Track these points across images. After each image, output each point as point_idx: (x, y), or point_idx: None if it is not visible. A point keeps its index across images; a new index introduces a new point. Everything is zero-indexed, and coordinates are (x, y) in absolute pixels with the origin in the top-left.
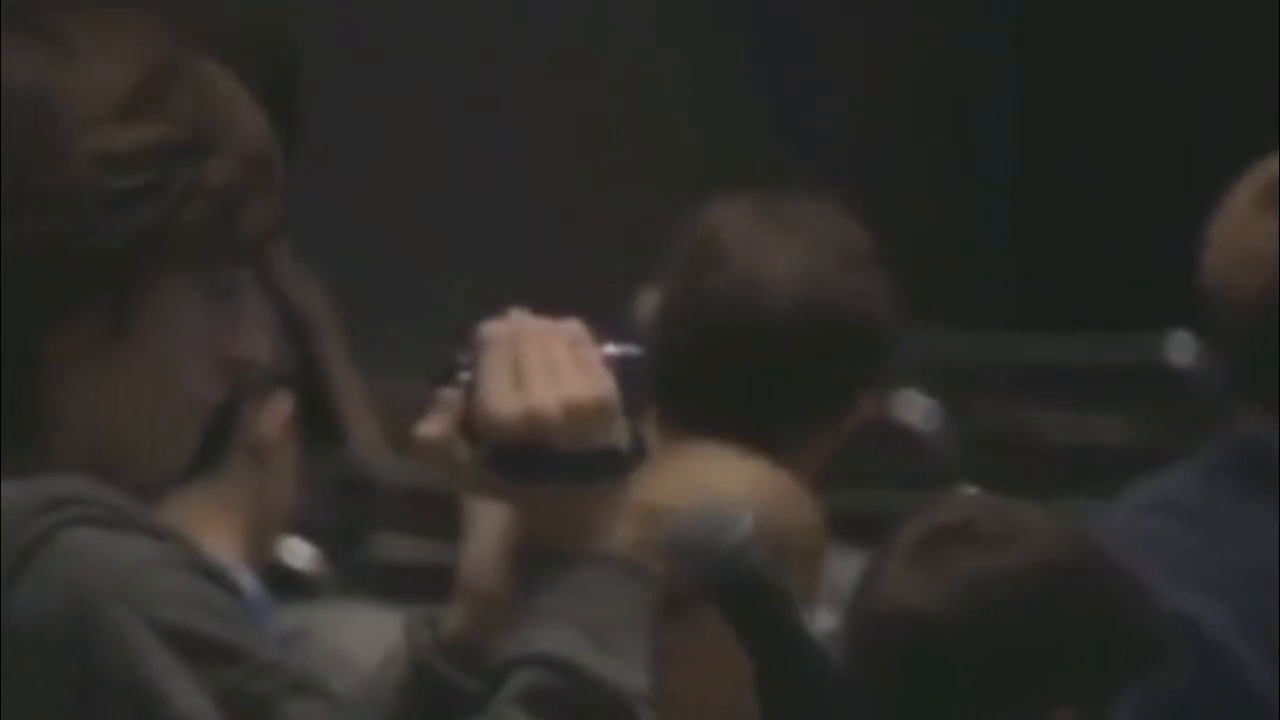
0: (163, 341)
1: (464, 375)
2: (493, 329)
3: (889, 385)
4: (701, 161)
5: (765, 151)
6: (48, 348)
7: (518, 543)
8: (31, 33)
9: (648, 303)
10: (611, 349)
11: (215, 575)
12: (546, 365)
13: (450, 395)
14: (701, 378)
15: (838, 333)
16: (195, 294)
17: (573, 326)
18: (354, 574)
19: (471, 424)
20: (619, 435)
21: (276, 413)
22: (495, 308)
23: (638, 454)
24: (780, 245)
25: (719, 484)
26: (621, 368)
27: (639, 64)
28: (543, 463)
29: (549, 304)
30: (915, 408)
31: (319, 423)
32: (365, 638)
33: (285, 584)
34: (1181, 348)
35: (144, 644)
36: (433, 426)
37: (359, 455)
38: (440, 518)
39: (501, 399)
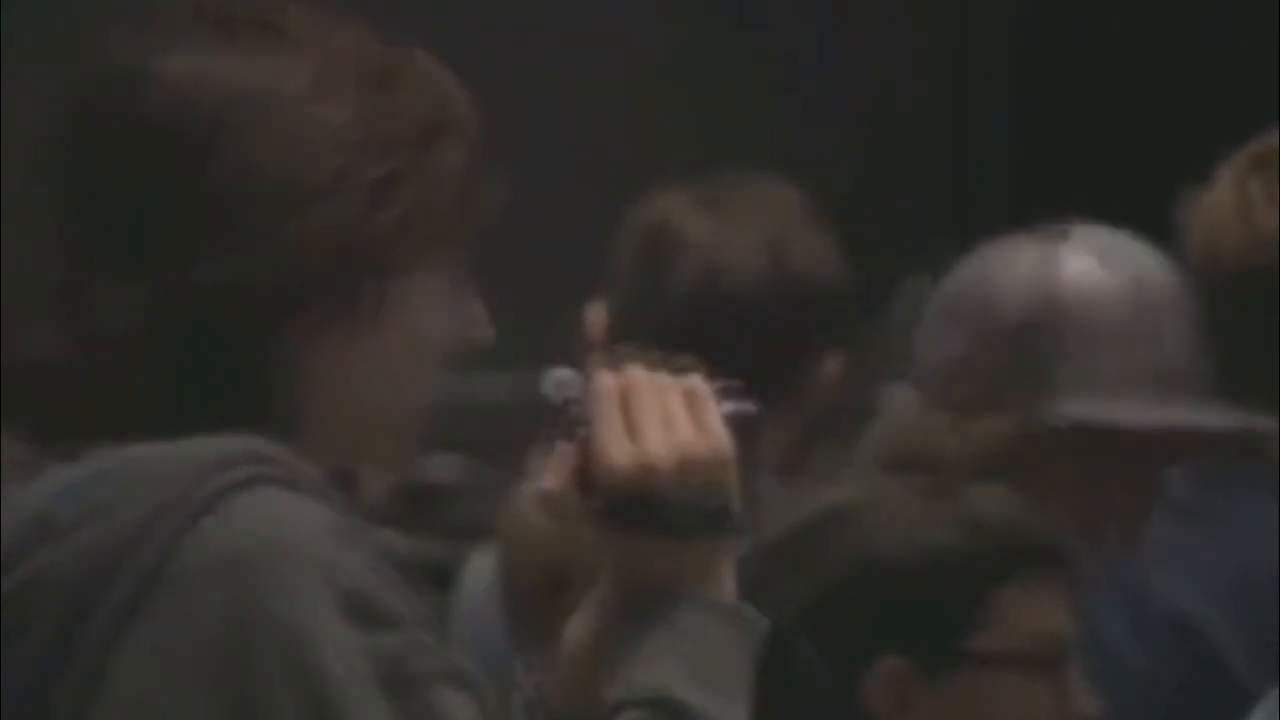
0: (410, 327)
1: (581, 430)
2: (607, 380)
3: (881, 379)
4: (702, 159)
5: (765, 150)
6: (311, 339)
7: (624, 591)
8: (257, 33)
9: (597, 315)
10: (729, 406)
11: (386, 554)
12: (661, 416)
13: (567, 449)
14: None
15: (800, 297)
16: (436, 278)
17: (693, 382)
18: None
19: (587, 476)
20: (731, 491)
21: None
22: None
23: (749, 510)
24: (730, 225)
25: None
26: (737, 425)
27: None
28: (653, 513)
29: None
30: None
31: None
32: None
33: None
34: None
35: (315, 597)
36: (551, 480)
37: None
38: (434, 515)
39: (615, 448)
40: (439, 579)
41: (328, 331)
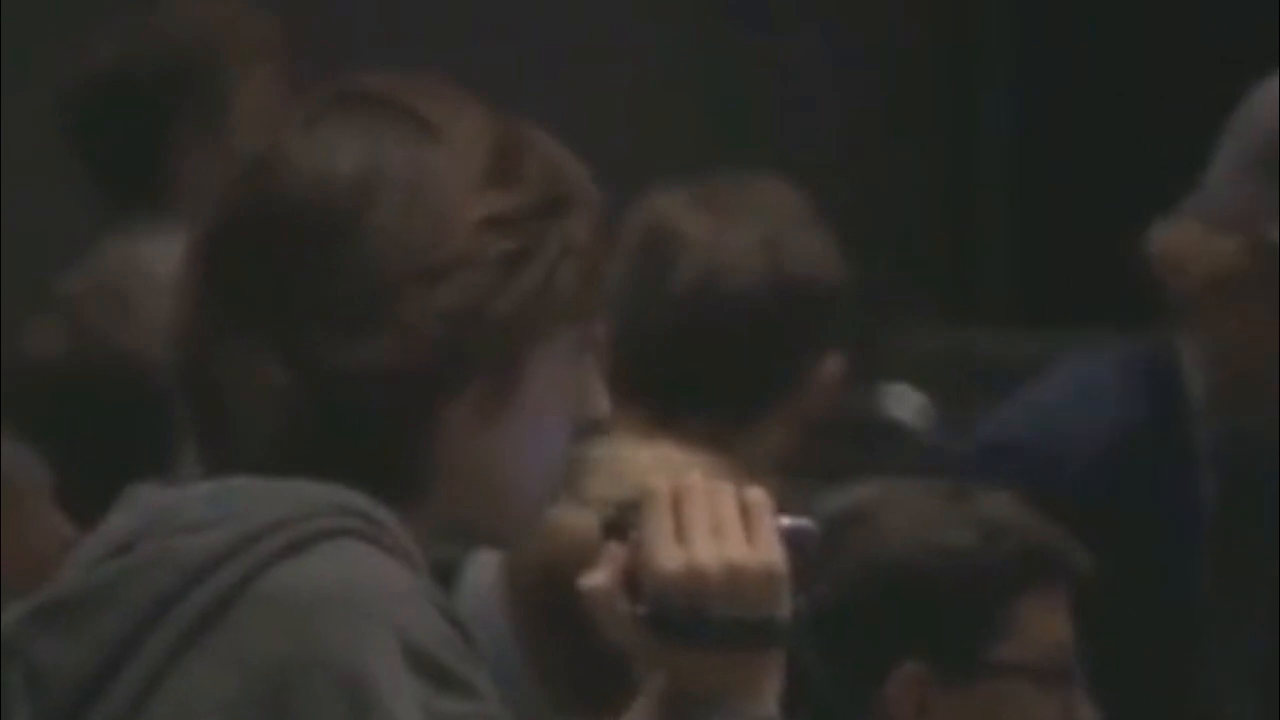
0: (538, 399)
1: (634, 534)
2: (659, 486)
3: (881, 380)
4: (702, 159)
5: (763, 147)
6: (441, 413)
7: (668, 698)
8: (391, 117)
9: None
10: (786, 521)
11: (460, 624)
12: (712, 525)
13: (617, 550)
14: (671, 372)
15: (799, 297)
16: (564, 351)
17: (755, 493)
18: None
19: (634, 580)
20: (779, 606)
21: None
22: None
23: (796, 625)
24: (729, 225)
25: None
26: (793, 540)
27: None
28: (697, 623)
29: None
30: (908, 403)
31: None
32: None
33: None
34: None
35: (382, 648)
36: (596, 578)
37: None
38: None
39: (663, 554)
40: (441, 577)
41: (458, 405)
